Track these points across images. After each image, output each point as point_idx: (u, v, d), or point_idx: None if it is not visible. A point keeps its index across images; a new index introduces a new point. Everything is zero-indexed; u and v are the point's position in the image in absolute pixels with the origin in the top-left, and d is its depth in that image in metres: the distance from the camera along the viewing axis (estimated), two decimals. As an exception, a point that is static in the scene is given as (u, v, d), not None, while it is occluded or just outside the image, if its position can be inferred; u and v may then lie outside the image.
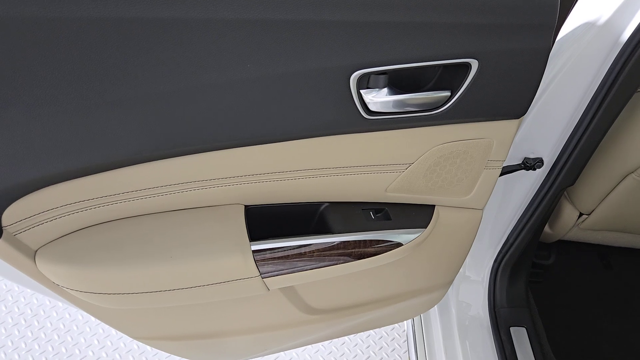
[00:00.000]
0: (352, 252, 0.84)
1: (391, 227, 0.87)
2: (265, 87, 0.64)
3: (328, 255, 0.82)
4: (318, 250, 0.81)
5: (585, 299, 1.48)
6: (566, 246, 1.58)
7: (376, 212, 0.89)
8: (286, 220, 0.84)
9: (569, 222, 1.34)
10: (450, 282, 1.09)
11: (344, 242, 0.83)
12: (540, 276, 1.49)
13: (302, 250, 0.80)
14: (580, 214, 1.32)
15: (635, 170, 1.14)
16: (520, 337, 1.21)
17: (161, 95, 0.61)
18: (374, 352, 1.61)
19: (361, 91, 0.70)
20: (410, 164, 0.83)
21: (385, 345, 1.63)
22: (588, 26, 0.93)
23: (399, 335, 1.63)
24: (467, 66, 0.72)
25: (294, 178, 0.78)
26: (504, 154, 0.89)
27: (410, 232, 0.89)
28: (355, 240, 0.83)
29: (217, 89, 0.63)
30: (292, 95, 0.66)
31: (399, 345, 1.62)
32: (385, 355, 1.60)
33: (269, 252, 0.78)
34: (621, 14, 0.90)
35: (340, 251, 0.83)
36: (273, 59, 0.63)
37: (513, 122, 0.84)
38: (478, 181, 0.91)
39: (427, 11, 0.65)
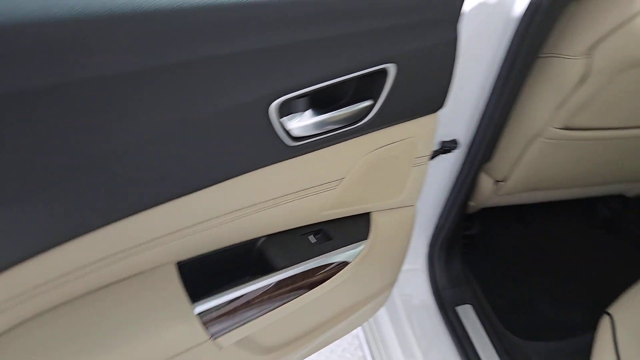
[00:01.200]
0: (301, 284, 0.79)
1: (334, 248, 0.83)
2: (186, 135, 0.56)
3: (277, 295, 0.76)
4: (266, 292, 0.75)
5: (512, 258, 1.54)
6: (485, 212, 1.63)
7: (315, 234, 0.84)
8: (226, 266, 0.77)
9: (487, 192, 1.38)
10: (395, 281, 1.08)
11: (291, 276, 0.77)
12: (468, 247, 1.52)
13: (250, 297, 0.73)
14: (497, 182, 1.36)
15: (541, 133, 1.18)
16: (467, 314, 1.23)
17: (70, 169, 0.51)
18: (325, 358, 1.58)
19: (283, 119, 0.64)
20: (341, 179, 0.79)
21: (337, 348, 1.61)
22: (480, 6, 0.93)
23: (350, 338, 1.61)
24: (385, 72, 0.68)
25: (225, 222, 0.71)
26: (429, 149, 0.87)
27: (353, 247, 0.85)
28: (302, 272, 0.78)
29: (136, 148, 0.54)
30: (213, 139, 0.59)
31: (351, 352, 1.60)
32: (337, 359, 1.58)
33: (215, 310, 0.70)
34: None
35: (289, 287, 0.77)
36: (190, 104, 0.55)
37: (433, 116, 0.82)
38: (408, 180, 0.89)
39: (338, 23, 0.61)
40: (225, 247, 0.75)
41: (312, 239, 0.82)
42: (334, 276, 0.82)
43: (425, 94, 0.77)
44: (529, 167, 1.29)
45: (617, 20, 0.93)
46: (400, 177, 0.87)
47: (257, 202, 0.72)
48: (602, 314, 1.25)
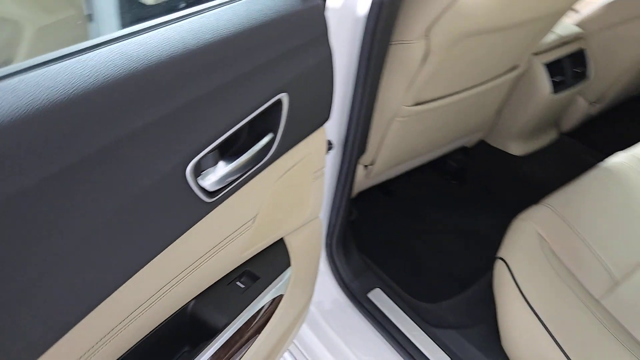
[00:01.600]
0: (245, 337, 0.75)
1: (265, 286, 0.80)
2: (113, 229, 0.49)
3: (229, 355, 0.71)
4: (215, 356, 0.70)
5: (391, 230, 1.64)
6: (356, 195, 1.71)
7: (240, 277, 0.80)
8: (162, 347, 0.69)
9: (360, 178, 1.44)
10: (313, 292, 1.08)
11: (235, 332, 0.73)
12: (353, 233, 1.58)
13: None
14: (366, 167, 1.43)
15: (397, 113, 1.26)
16: (379, 297, 1.28)
17: None
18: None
19: (198, 179, 0.59)
20: (255, 216, 0.76)
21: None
22: (331, 12, 0.95)
23: None
24: (280, 102, 0.67)
25: (155, 301, 0.64)
26: (323, 160, 0.88)
27: (281, 279, 0.83)
28: (243, 325, 0.74)
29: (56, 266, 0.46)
30: (139, 221, 0.53)
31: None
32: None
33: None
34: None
35: (234, 347, 0.73)
36: (111, 195, 0.48)
37: (322, 128, 0.83)
38: (311, 195, 0.89)
39: (229, 68, 0.58)
40: (156, 327, 0.68)
41: (240, 284, 0.78)
42: (274, 315, 0.79)
43: (314, 111, 0.77)
44: (391, 146, 1.37)
45: (444, 3, 1.02)
46: (304, 195, 0.87)
47: (183, 269, 0.66)
48: (487, 259, 1.39)
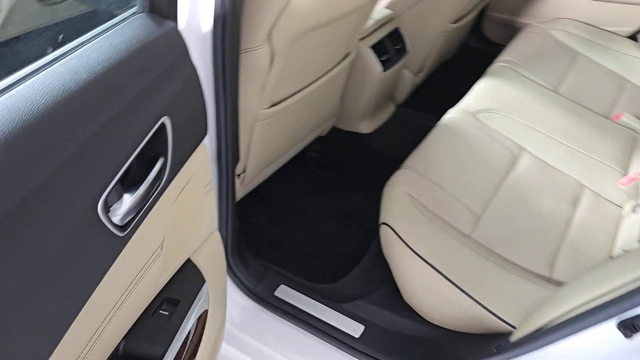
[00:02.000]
0: (187, 358, 0.75)
1: (188, 307, 0.80)
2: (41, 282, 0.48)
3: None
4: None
5: (275, 230, 1.70)
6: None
7: (161, 305, 0.80)
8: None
9: (238, 187, 1.47)
10: (226, 304, 1.10)
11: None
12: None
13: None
14: (238, 175, 1.47)
15: (257, 118, 1.32)
16: (285, 293, 1.34)
17: None
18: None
19: (109, 215, 0.59)
20: (162, 242, 0.77)
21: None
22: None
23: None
24: (164, 125, 0.69)
25: (89, 352, 0.62)
26: (209, 173, 0.91)
27: (200, 295, 0.84)
28: (180, 348, 0.74)
29: None
30: (61, 274, 0.52)
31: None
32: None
33: None
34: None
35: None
36: (25, 255, 0.47)
37: (202, 143, 0.86)
38: (205, 210, 0.91)
39: (116, 99, 0.59)
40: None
41: (163, 312, 0.78)
42: (205, 331, 0.81)
43: (193, 128, 0.80)
44: (258, 150, 1.43)
45: (278, 7, 1.10)
46: (199, 211, 0.89)
47: (109, 311, 0.65)
48: (368, 230, 1.52)
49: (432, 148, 1.46)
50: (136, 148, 0.62)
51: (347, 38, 1.52)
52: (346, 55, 1.62)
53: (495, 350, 1.01)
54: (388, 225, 1.25)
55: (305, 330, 1.27)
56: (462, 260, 1.19)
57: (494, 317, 1.10)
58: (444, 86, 2.36)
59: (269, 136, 1.44)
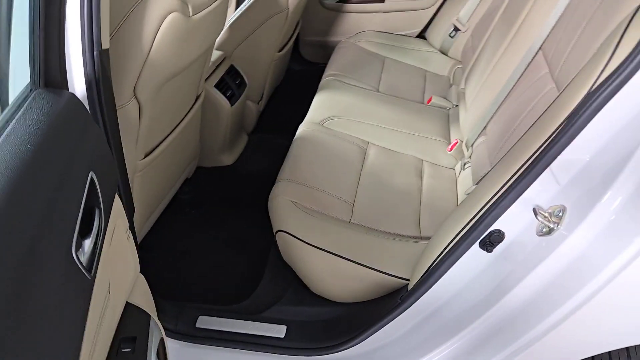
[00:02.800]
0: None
1: (145, 340, 0.88)
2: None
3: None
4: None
5: (173, 273, 1.75)
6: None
7: (120, 345, 0.86)
8: None
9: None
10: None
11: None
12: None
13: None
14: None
15: (135, 170, 1.40)
16: (206, 322, 1.42)
17: None
18: None
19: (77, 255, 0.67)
20: (109, 286, 0.84)
21: None
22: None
23: None
24: (93, 181, 0.78)
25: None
26: (126, 220, 0.99)
27: (152, 327, 0.92)
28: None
29: None
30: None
31: None
32: None
33: None
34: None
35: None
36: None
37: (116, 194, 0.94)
38: (129, 254, 0.99)
39: (46, 185, 0.66)
40: None
41: (125, 349, 0.85)
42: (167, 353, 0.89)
43: (110, 180, 0.88)
44: (141, 201, 1.50)
45: (139, 63, 1.20)
46: (126, 255, 0.96)
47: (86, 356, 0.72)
48: (260, 247, 1.66)
49: (298, 159, 1.66)
50: (82, 199, 0.71)
51: (196, 81, 1.66)
52: (197, 97, 1.75)
53: (400, 300, 1.23)
54: (283, 231, 1.41)
55: (235, 347, 1.36)
56: (352, 241, 1.40)
57: (390, 277, 1.33)
58: (282, 108, 2.60)
59: (148, 185, 1.52)
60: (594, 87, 0.96)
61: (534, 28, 1.56)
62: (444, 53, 2.56)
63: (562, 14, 1.44)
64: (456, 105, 2.12)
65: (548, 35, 1.48)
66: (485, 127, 1.66)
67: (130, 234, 1.00)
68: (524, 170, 1.02)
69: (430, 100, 2.16)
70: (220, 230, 1.94)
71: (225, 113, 1.96)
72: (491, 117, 1.63)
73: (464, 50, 2.41)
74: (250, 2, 2.00)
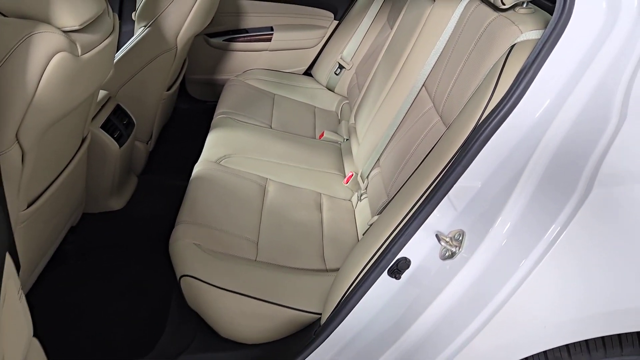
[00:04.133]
0: None
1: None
2: None
3: None
4: None
5: (77, 331, 1.60)
6: None
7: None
8: None
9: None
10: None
11: None
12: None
13: None
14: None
15: (18, 221, 1.27)
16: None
17: None
18: None
19: None
20: (3, 356, 0.75)
21: None
22: None
23: None
24: None
25: None
26: (18, 280, 0.89)
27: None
28: None
29: None
30: None
31: None
32: None
33: None
34: None
35: None
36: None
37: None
38: (22, 316, 0.89)
39: None
40: None
41: None
42: None
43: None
44: (26, 255, 1.36)
45: (23, 106, 1.11)
46: (19, 318, 0.87)
47: None
48: (161, 294, 1.57)
49: (196, 200, 1.62)
50: None
51: (82, 123, 1.56)
52: (83, 140, 1.65)
53: (314, 335, 1.23)
54: (188, 275, 1.36)
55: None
56: (259, 279, 1.38)
57: (301, 312, 1.32)
58: (172, 147, 2.52)
59: (31, 237, 1.39)
60: (481, 120, 1.06)
61: (417, 67, 1.69)
62: (331, 89, 2.67)
63: (441, 54, 1.58)
64: (347, 139, 2.21)
65: (430, 73, 1.61)
66: (378, 159, 1.74)
67: (23, 295, 0.90)
68: (425, 199, 1.09)
69: (322, 135, 2.22)
70: (113, 279, 1.81)
71: (114, 155, 1.87)
72: (384, 150, 1.72)
73: (349, 87, 2.53)
74: (136, 40, 1.94)
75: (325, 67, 2.67)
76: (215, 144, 1.96)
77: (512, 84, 1.00)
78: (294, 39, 2.73)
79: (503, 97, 1.01)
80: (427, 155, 1.28)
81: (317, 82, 2.72)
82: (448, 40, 1.55)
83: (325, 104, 2.59)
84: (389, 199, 1.52)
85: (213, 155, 1.88)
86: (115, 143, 1.86)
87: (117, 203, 2.01)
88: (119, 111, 1.98)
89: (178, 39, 1.97)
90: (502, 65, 1.11)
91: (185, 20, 1.94)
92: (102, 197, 1.96)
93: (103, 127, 1.85)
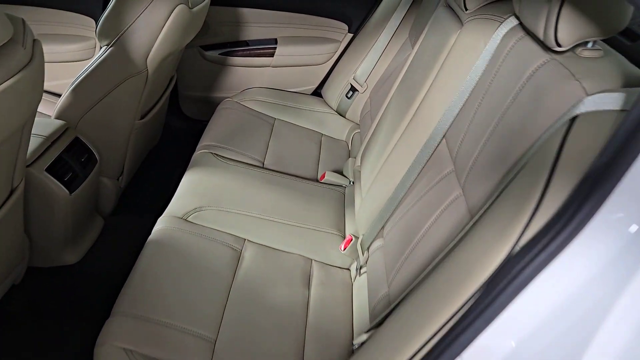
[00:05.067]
0: None
1: None
2: None
3: None
4: None
5: None
6: None
7: None
8: None
9: None
10: None
11: None
12: None
13: None
14: None
15: None
16: None
17: None
18: None
19: None
20: None
21: None
22: None
23: None
24: None
25: None
26: None
27: None
28: None
29: None
30: None
31: None
32: None
33: None
34: None
35: None
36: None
37: None
38: None
39: None
40: None
41: None
42: None
43: None
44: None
45: None
46: None
47: None
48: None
49: (145, 277, 1.26)
50: None
51: (7, 172, 1.23)
52: (13, 191, 1.32)
53: None
54: (109, 348, 1.01)
55: None
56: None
57: None
58: (157, 177, 2.19)
59: None
60: (516, 247, 0.66)
61: (437, 109, 1.30)
62: (341, 115, 2.28)
63: (467, 99, 1.17)
64: (352, 182, 1.83)
65: (452, 123, 1.21)
66: (383, 226, 1.36)
67: None
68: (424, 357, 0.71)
69: (323, 176, 1.84)
70: (65, 346, 1.49)
71: (62, 203, 1.54)
72: (389, 217, 1.33)
73: (362, 115, 2.14)
74: (97, 62, 1.60)
75: (336, 87, 2.27)
76: (187, 192, 1.60)
77: (575, 188, 0.61)
78: (302, 54, 2.34)
79: (551, 220, 0.61)
80: (438, 262, 0.90)
81: (327, 104, 2.33)
82: (478, 82, 1.15)
83: (334, 131, 2.21)
84: (389, 296, 1.14)
85: (181, 209, 1.52)
86: (64, 189, 1.53)
87: (71, 256, 1.69)
88: (77, 145, 1.65)
89: (148, 60, 1.62)
90: (559, 149, 0.71)
91: (156, 38, 1.59)
92: (53, 250, 1.64)
93: (50, 168, 1.52)
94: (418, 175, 1.29)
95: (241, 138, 1.95)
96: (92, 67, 1.60)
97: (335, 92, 2.27)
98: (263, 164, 1.86)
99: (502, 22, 1.13)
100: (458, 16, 1.34)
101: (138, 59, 1.61)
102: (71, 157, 1.61)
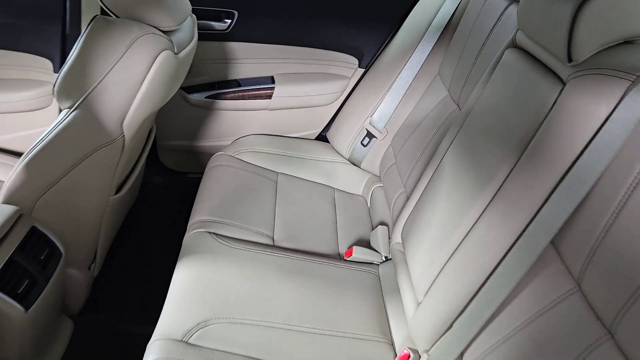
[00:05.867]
0: None
1: None
2: None
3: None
4: None
5: None
6: None
7: None
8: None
9: None
10: None
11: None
12: None
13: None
14: None
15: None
16: None
17: None
18: None
19: None
20: None
21: None
22: None
23: None
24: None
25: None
26: None
27: None
28: None
29: None
30: None
31: None
32: None
33: None
34: None
35: None
36: None
37: None
38: None
39: None
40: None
41: None
42: None
43: None
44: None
45: None
46: None
47: None
48: None
49: None
50: None
51: None
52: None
53: None
54: None
55: None
56: None
57: None
58: (134, 257, 1.79)
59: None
60: None
61: (533, 191, 0.95)
62: (355, 164, 1.93)
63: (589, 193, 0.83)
64: (386, 258, 1.48)
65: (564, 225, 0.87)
66: (465, 349, 1.00)
67: None
68: None
69: (350, 252, 1.49)
70: None
71: (17, 323, 1.15)
72: (474, 338, 0.98)
73: (384, 167, 1.79)
74: (58, 128, 1.21)
75: (347, 132, 1.92)
76: (184, 299, 1.22)
77: None
78: (304, 94, 1.98)
79: None
80: None
81: (336, 151, 1.98)
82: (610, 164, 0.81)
83: (348, 184, 1.86)
84: None
85: (179, 326, 1.13)
86: (17, 306, 1.13)
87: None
88: (34, 238, 1.25)
89: (125, 124, 1.24)
90: None
91: (134, 96, 1.21)
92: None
93: (-4, 280, 1.12)
94: (520, 281, 0.93)
95: (242, 206, 1.57)
96: (51, 135, 1.21)
97: (346, 138, 1.91)
98: (273, 240, 1.49)
99: (633, 81, 0.80)
100: (550, 69, 1.02)
101: (111, 123, 1.23)
102: (26, 257, 1.21)
